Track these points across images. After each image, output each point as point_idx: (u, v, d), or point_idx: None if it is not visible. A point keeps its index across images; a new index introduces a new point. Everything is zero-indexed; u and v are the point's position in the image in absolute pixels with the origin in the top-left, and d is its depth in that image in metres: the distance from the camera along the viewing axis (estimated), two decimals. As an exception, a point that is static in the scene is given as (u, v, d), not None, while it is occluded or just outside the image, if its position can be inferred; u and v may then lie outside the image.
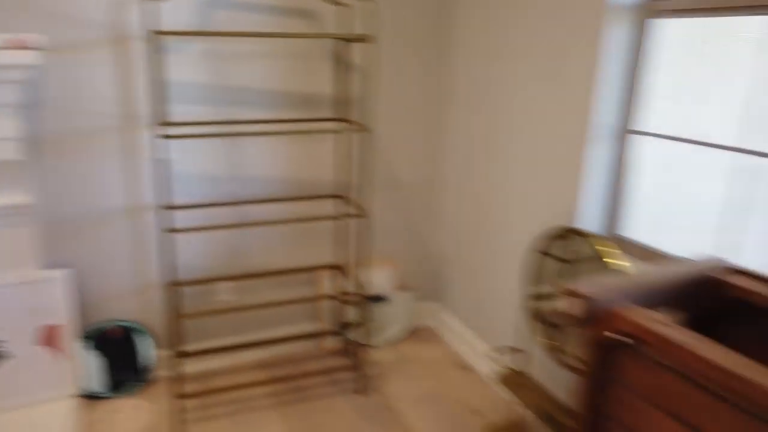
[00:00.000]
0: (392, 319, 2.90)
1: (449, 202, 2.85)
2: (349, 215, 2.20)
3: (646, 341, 1.07)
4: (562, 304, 1.14)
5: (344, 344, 2.71)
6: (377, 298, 2.85)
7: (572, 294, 1.13)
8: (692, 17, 1.75)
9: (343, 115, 2.47)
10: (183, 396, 2.30)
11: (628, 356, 1.13)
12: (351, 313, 2.71)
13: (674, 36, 1.81)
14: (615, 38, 1.87)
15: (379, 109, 2.63)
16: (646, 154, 1.93)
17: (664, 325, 1.05)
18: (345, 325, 2.73)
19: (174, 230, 2.00)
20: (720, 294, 1.23)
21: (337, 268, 2.66)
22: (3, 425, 2.12)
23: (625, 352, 1.14)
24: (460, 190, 2.74)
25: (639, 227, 1.97)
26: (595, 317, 1.12)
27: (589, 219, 2.03)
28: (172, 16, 2.19)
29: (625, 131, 1.97)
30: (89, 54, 2.13)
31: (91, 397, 2.36)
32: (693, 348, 0.99)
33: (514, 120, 2.32)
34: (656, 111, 1.88)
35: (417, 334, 2.99)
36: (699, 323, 1.28)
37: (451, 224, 2.85)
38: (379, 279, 2.86)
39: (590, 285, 1.14)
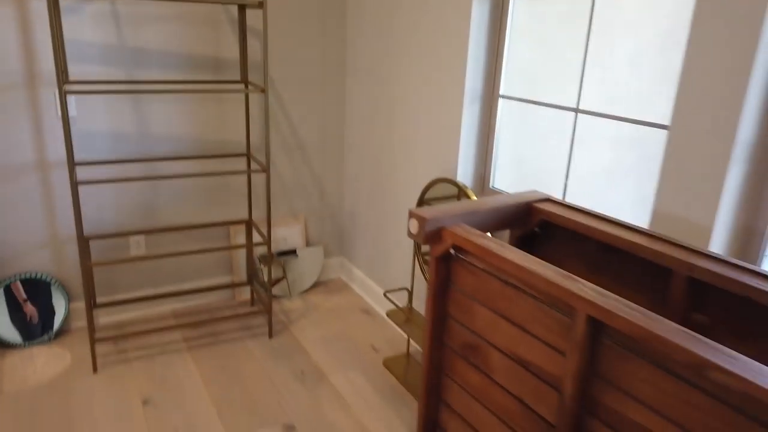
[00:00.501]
0: (302, 272, 3.11)
1: (352, 162, 3.07)
2: (252, 171, 2.38)
3: (468, 250, 1.34)
4: (410, 226, 1.38)
5: (256, 295, 2.90)
6: (287, 253, 3.06)
7: (414, 216, 1.38)
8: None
9: (244, 78, 2.62)
10: (98, 340, 2.43)
11: (459, 264, 1.40)
12: (262, 266, 2.90)
13: (527, 13, 2.08)
14: (480, 15, 2.12)
15: (280, 74, 2.80)
16: (508, 114, 2.22)
17: (479, 237, 1.31)
18: (256, 277, 2.92)
19: (80, 183, 2.11)
20: (533, 217, 1.52)
21: (247, 223, 2.84)
22: None
23: (456, 261, 1.41)
24: (361, 151, 2.97)
25: (504, 178, 2.26)
26: (431, 235, 1.37)
27: (465, 172, 2.31)
28: (73, -23, 2.26)
29: (492, 95, 2.25)
30: (-11, 12, 2.18)
31: (6, 345, 2.45)
32: (498, 251, 1.25)
33: (403, 87, 2.55)
34: (516, 78, 2.16)
35: (325, 285, 3.22)
36: (523, 240, 1.57)
37: (354, 183, 3.08)
38: (289, 234, 3.06)
39: (428, 210, 1.39)
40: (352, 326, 2.81)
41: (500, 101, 2.22)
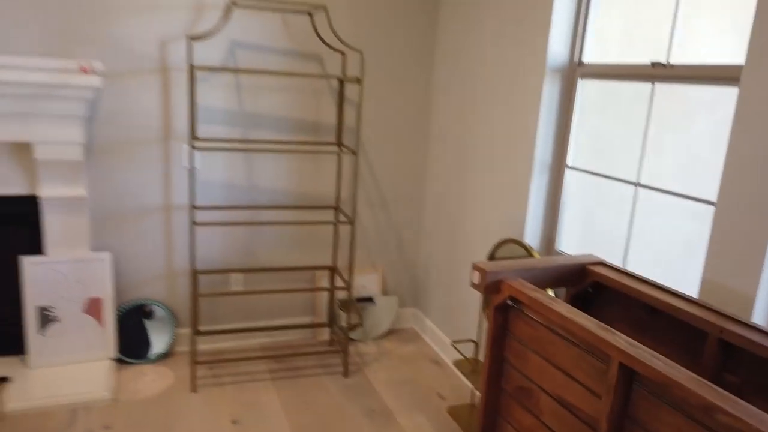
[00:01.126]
0: (377, 319, 3.35)
1: (429, 219, 3.33)
2: (339, 222, 2.69)
3: (522, 302, 1.53)
4: (472, 277, 1.60)
5: (334, 336, 3.16)
6: (365, 299, 3.32)
7: (477, 268, 1.60)
8: (607, 81, 2.23)
9: (339, 140, 2.98)
10: (197, 363, 2.77)
11: (515, 314, 1.59)
12: (342, 310, 3.17)
13: (595, 93, 2.29)
14: (551, 93, 2.36)
15: (370, 136, 3.14)
16: (575, 182, 2.40)
17: (532, 290, 1.51)
18: (336, 320, 3.19)
19: (197, 224, 2.49)
20: (586, 278, 1.69)
21: (331, 269, 3.14)
22: (51, 378, 2.61)
23: (512, 312, 1.60)
24: (438, 209, 3.22)
25: (571, 242, 2.42)
26: (491, 286, 1.58)
27: (533, 233, 2.50)
28: (205, 53, 2.73)
29: (560, 165, 2.44)
30: (139, 79, 2.68)
31: (122, 361, 2.84)
32: (547, 303, 1.44)
33: (479, 152, 2.80)
34: (583, 149, 2.36)
35: (398, 333, 3.44)
36: (576, 299, 1.73)
37: (430, 239, 3.32)
38: (367, 282, 3.33)
39: (489, 263, 1.60)
40: (420, 373, 2.99)
41: (567, 171, 2.42)
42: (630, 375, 1.23)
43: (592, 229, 2.32)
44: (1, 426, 2.31)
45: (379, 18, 3.00)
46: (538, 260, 1.67)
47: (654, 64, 1.97)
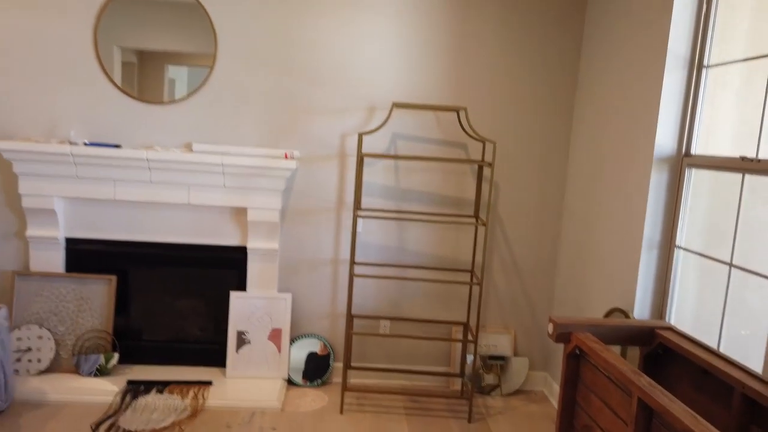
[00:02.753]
0: (507, 378, 3.68)
1: (559, 286, 3.63)
2: (473, 284, 3.17)
3: (587, 352, 1.88)
4: (548, 328, 1.97)
5: (465, 386, 3.56)
6: (496, 358, 3.68)
7: (551, 321, 1.98)
8: (717, 171, 2.47)
9: (476, 214, 3.50)
10: (346, 391, 3.37)
11: (582, 362, 1.93)
12: (475, 364, 3.58)
13: (706, 180, 2.53)
14: (658, 180, 2.65)
15: (506, 210, 3.61)
16: (686, 262, 2.61)
17: (593, 341, 1.85)
18: (468, 372, 3.60)
19: (356, 276, 3.16)
20: (654, 339, 1.96)
21: (465, 325, 3.59)
22: (239, 386, 3.40)
23: (581, 360, 1.94)
24: (566, 278, 3.52)
25: (682, 315, 2.60)
26: (562, 336, 1.95)
27: (643, 305, 2.72)
28: (372, 144, 3.49)
29: (669, 245, 2.67)
30: (323, 163, 3.51)
31: (291, 382, 3.57)
32: (608, 357, 1.78)
33: (598, 229, 3.11)
34: (695, 233, 2.57)
35: (526, 394, 3.71)
36: (648, 357, 1.99)
37: (561, 305, 3.61)
38: (499, 342, 3.70)
39: (561, 317, 1.97)
40: (541, 431, 3.25)
41: (677, 250, 2.64)
42: (648, 410, 1.53)
43: (704, 304, 2.49)
44: (203, 415, 3.12)
45: (519, 112, 3.52)
46: (608, 320, 2.00)
47: (742, 158, 2.20)
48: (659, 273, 2.71)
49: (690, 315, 2.56)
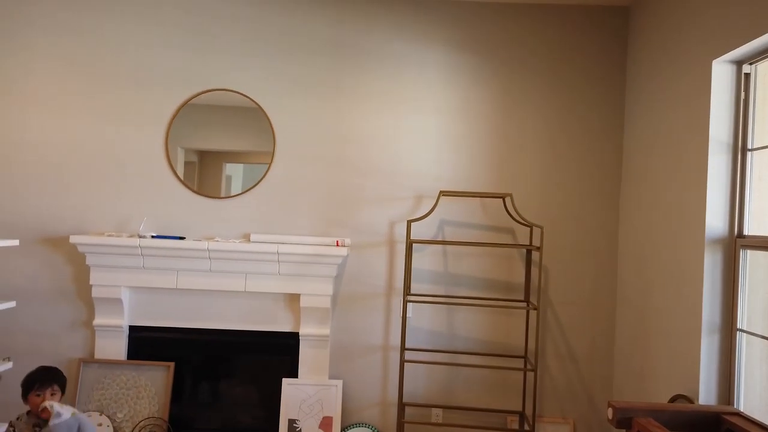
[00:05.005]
0: (566, 468, 3.50)
1: (618, 376, 3.51)
2: (527, 370, 3.11)
3: (650, 438, 1.82)
4: (608, 413, 1.93)
5: (522, 479, 3.41)
6: (555, 449, 3.53)
7: (611, 405, 1.94)
8: None
9: (527, 298, 3.49)
10: (398, 483, 3.28)
11: (646, 451, 1.87)
12: (529, 453, 3.44)
13: (760, 261, 2.50)
14: (713, 262, 2.63)
15: (558, 296, 3.59)
16: (749, 346, 2.52)
17: (660, 429, 1.80)
18: (524, 463, 3.45)
19: (406, 362, 3.16)
20: (721, 426, 1.88)
21: (520, 414, 3.48)
22: (290, 476, 3.36)
23: (644, 448, 1.88)
24: (624, 367, 3.41)
25: (751, 401, 2.49)
26: (622, 422, 1.90)
27: (707, 390, 2.61)
28: (420, 230, 3.60)
29: (730, 328, 2.60)
30: (373, 250, 3.63)
31: (341, 473, 3.50)
32: (672, 443, 1.73)
33: (655, 316, 3.06)
34: (754, 315, 2.51)
35: (590, 488, 3.51)
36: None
37: (620, 395, 3.47)
38: (557, 432, 3.56)
39: (622, 402, 1.93)
40: None
41: (739, 334, 2.56)
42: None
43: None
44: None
45: (565, 197, 3.59)
46: (672, 405, 1.94)
47: (796, 237, 2.19)
48: (722, 357, 2.62)
49: (759, 401, 2.44)
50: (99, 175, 3.63)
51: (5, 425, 2.58)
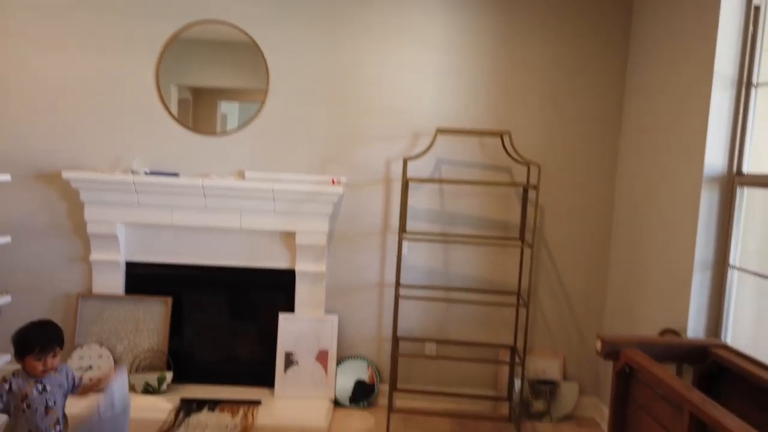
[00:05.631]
0: (556, 403, 3.61)
1: (609, 313, 3.57)
2: (519, 306, 3.16)
3: (637, 369, 1.86)
4: (596, 345, 1.97)
5: (513, 410, 3.52)
6: (546, 382, 3.63)
7: (599, 338, 1.97)
8: None
9: (522, 236, 3.50)
10: (392, 412, 3.38)
11: (632, 380, 1.91)
12: (523, 388, 3.54)
13: (756, 200, 2.48)
14: (709, 200, 2.62)
15: (552, 234, 3.60)
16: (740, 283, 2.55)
17: (646, 360, 1.83)
18: (515, 396, 3.55)
19: (401, 298, 3.20)
20: (707, 358, 1.92)
21: (512, 349, 3.56)
22: (287, 406, 3.46)
23: (631, 377, 1.92)
24: (616, 304, 3.47)
25: (740, 336, 2.53)
26: (611, 354, 1.93)
27: (696, 325, 2.66)
28: (417, 169, 3.56)
29: (723, 265, 2.62)
30: (369, 188, 3.60)
31: (337, 403, 3.61)
32: (659, 373, 1.76)
33: (648, 253, 3.07)
34: (746, 252, 2.52)
35: (576, 420, 3.63)
36: (702, 376, 1.95)
37: (609, 327, 3.54)
38: (548, 367, 3.65)
39: (610, 335, 1.96)
40: (591, 457, 3.17)
41: (730, 271, 2.58)
42: (701, 426, 1.50)
43: (762, 325, 2.43)
44: (254, 434, 3.19)
45: (564, 135, 3.54)
46: (659, 337, 1.98)
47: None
48: (713, 293, 2.65)
49: (746, 336, 2.49)
50: (91, 110, 3.56)
51: (1, 383, 2.23)
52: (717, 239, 2.64)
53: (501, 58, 3.52)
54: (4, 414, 2.26)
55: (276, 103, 3.56)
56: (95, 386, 2.48)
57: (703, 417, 1.44)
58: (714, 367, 1.94)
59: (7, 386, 2.23)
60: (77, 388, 2.44)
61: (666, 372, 1.69)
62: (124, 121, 3.57)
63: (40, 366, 2.24)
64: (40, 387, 2.27)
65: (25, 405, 2.23)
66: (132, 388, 3.47)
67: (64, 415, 2.38)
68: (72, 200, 3.58)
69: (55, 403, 2.30)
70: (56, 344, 2.29)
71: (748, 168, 2.58)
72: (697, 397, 1.50)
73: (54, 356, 2.27)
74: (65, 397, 2.38)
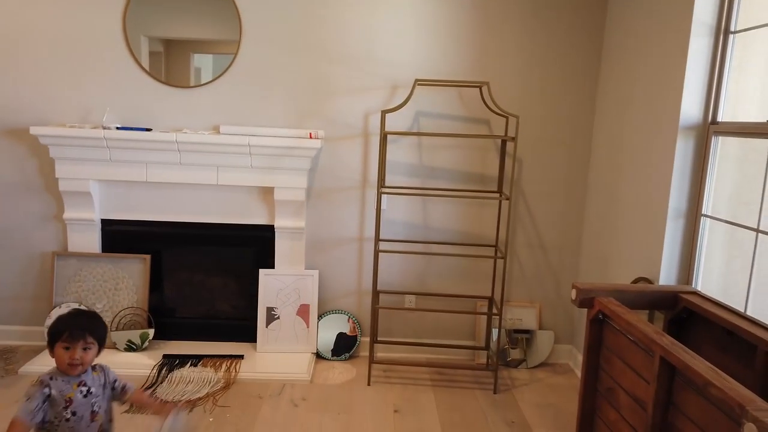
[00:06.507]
0: (533, 351, 3.71)
1: (584, 263, 3.63)
2: (497, 258, 3.20)
3: (610, 316, 1.90)
4: (571, 294, 2.00)
5: (490, 359, 3.61)
6: (522, 331, 3.71)
7: (574, 287, 2.01)
8: (744, 138, 2.45)
9: (500, 189, 3.51)
10: (373, 363, 3.45)
11: (605, 326, 1.96)
12: (500, 338, 3.62)
13: (734, 147, 2.51)
14: (684, 149, 2.63)
15: (530, 187, 3.62)
16: (715, 231, 2.60)
17: (615, 305, 1.87)
18: (492, 345, 3.64)
19: (381, 252, 3.22)
20: (678, 304, 1.97)
21: (489, 299, 3.62)
22: (270, 360, 3.51)
23: (604, 324, 1.97)
24: (591, 253, 3.53)
25: (710, 284, 2.60)
26: (585, 302, 1.98)
27: (669, 274, 2.72)
28: (395, 122, 3.52)
29: (695, 214, 2.66)
30: (347, 142, 3.56)
31: (319, 356, 3.66)
32: (630, 319, 1.80)
33: (623, 201, 3.11)
34: (722, 201, 2.56)
35: (552, 366, 3.75)
36: (672, 322, 2.01)
37: (584, 276, 3.61)
38: (525, 316, 3.73)
39: (584, 283, 2.00)
40: (566, 401, 3.28)
41: (703, 219, 2.63)
42: (670, 368, 1.55)
43: (731, 272, 2.49)
44: (236, 387, 3.24)
45: (542, 86, 3.52)
46: (632, 285, 2.02)
47: (768, 122, 2.18)
48: (685, 242, 2.70)
49: (716, 283, 2.56)
50: (57, 63, 3.43)
51: (38, 388, 1.80)
52: (690, 188, 2.67)
53: (480, 9, 3.45)
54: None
55: (250, 54, 3.46)
56: (154, 405, 2.09)
57: (672, 360, 1.48)
58: (684, 313, 1.99)
59: (46, 392, 1.80)
60: (123, 394, 2.01)
61: (637, 318, 1.73)
62: (94, 74, 3.44)
63: (66, 357, 1.82)
64: (84, 390, 1.88)
65: (69, 413, 1.83)
66: (114, 346, 3.48)
67: (110, 420, 1.99)
68: (42, 157, 3.49)
69: (100, 407, 1.92)
70: (88, 333, 1.86)
71: (723, 117, 2.60)
72: (667, 341, 1.54)
73: (85, 349, 1.85)
74: (109, 401, 1.98)
